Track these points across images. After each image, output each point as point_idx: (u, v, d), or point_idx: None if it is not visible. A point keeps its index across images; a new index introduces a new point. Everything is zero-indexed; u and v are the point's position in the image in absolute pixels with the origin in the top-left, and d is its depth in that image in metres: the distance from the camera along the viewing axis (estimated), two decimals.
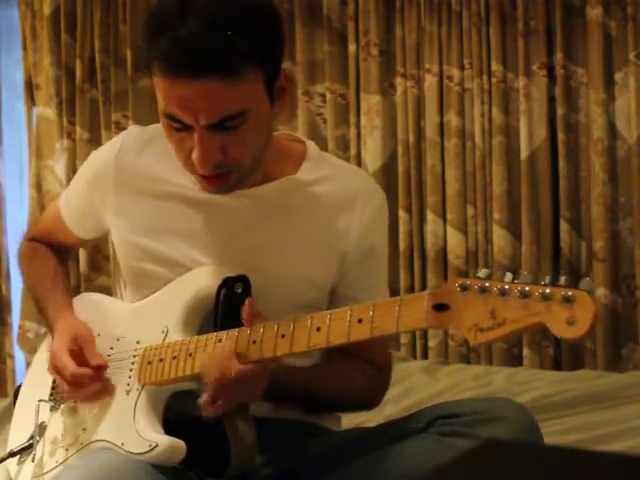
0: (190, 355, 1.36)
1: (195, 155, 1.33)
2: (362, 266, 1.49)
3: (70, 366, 1.44)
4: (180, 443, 1.33)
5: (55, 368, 1.47)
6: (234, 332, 1.33)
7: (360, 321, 1.19)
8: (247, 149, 1.38)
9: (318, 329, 1.23)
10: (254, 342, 1.29)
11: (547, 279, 1.05)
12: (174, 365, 1.37)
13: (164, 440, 1.34)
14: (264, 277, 1.42)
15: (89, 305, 1.61)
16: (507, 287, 1.06)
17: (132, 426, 1.37)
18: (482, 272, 1.09)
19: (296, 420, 1.51)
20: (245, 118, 1.33)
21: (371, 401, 1.56)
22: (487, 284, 1.07)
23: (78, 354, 1.47)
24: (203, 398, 1.30)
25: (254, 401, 1.36)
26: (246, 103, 1.33)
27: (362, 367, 1.50)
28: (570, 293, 1.02)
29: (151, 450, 1.33)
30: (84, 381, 1.44)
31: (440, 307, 1.11)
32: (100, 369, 1.45)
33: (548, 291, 1.03)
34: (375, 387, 1.53)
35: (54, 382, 1.56)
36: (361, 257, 1.49)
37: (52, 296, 1.62)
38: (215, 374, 1.29)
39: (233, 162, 1.37)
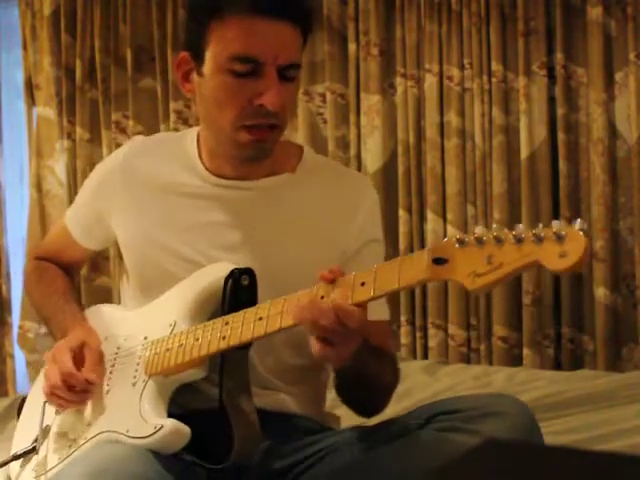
0: (197, 340, 1.38)
1: (268, 92, 1.40)
2: (361, 254, 1.53)
3: (68, 365, 1.46)
4: (184, 427, 1.34)
5: (54, 359, 1.49)
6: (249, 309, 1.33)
7: (363, 284, 1.22)
8: (293, 107, 1.49)
9: (322, 297, 1.25)
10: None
11: (540, 226, 1.09)
12: (181, 351, 1.39)
13: (169, 422, 1.34)
14: (273, 267, 1.46)
15: (100, 315, 1.63)
16: (502, 235, 1.10)
17: (137, 412, 1.38)
18: (478, 229, 1.13)
19: (296, 415, 1.52)
20: (298, 72, 1.45)
21: (394, 389, 1.54)
22: (484, 236, 1.12)
23: (79, 359, 1.48)
24: (316, 345, 1.23)
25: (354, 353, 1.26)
26: (301, 58, 1.45)
27: (390, 358, 1.52)
28: (562, 232, 1.06)
29: (156, 432, 1.33)
30: (71, 384, 1.46)
31: (439, 261, 1.15)
32: (91, 383, 1.46)
33: (541, 233, 1.07)
34: (397, 379, 1.53)
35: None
36: (359, 249, 1.53)
37: (68, 309, 1.63)
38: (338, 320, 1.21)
39: (284, 116, 1.44)
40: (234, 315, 1.36)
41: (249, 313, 1.34)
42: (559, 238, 1.06)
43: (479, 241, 1.11)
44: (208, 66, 1.43)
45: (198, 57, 1.44)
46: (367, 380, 1.42)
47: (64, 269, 1.74)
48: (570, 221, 1.09)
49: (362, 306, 1.22)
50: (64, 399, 1.47)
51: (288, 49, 1.41)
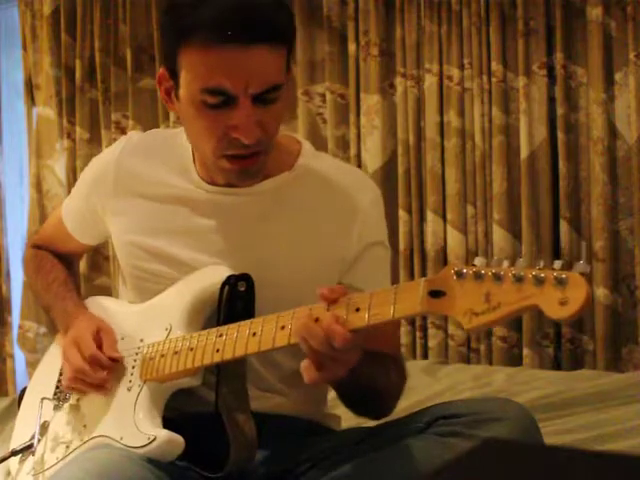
0: (191, 350, 1.37)
1: (241, 125, 1.34)
2: (363, 258, 1.49)
3: (93, 347, 1.46)
4: (178, 437, 1.34)
5: (76, 345, 1.48)
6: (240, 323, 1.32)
7: (358, 310, 1.19)
8: (277, 127, 1.41)
9: (317, 320, 1.22)
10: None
11: (541, 264, 1.06)
12: (175, 360, 1.38)
13: (162, 434, 1.34)
14: (268, 273, 1.43)
15: (97, 307, 1.62)
16: (502, 272, 1.07)
17: (132, 420, 1.38)
18: (478, 260, 1.10)
19: (296, 417, 1.51)
20: (280, 93, 1.36)
21: (400, 393, 1.52)
22: (482, 271, 1.08)
23: (97, 343, 1.48)
24: (305, 363, 1.22)
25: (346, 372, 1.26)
26: (282, 77, 1.36)
27: (394, 360, 1.50)
28: (563, 275, 1.03)
29: (149, 443, 1.33)
30: (98, 365, 1.45)
31: (436, 293, 1.12)
32: (114, 363, 1.46)
33: (542, 275, 1.04)
34: (403, 379, 1.52)
35: (59, 381, 1.57)
36: (361, 250, 1.49)
37: (70, 297, 1.63)
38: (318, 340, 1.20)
39: (267, 140, 1.38)
40: (229, 327, 1.34)
41: (243, 327, 1.31)
42: (560, 282, 1.03)
43: (478, 276, 1.08)
44: (183, 92, 1.37)
45: (174, 78, 1.39)
46: (368, 389, 1.40)
47: (63, 258, 1.74)
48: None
49: (357, 332, 1.19)
50: (89, 383, 1.46)
51: (261, 76, 1.32)
